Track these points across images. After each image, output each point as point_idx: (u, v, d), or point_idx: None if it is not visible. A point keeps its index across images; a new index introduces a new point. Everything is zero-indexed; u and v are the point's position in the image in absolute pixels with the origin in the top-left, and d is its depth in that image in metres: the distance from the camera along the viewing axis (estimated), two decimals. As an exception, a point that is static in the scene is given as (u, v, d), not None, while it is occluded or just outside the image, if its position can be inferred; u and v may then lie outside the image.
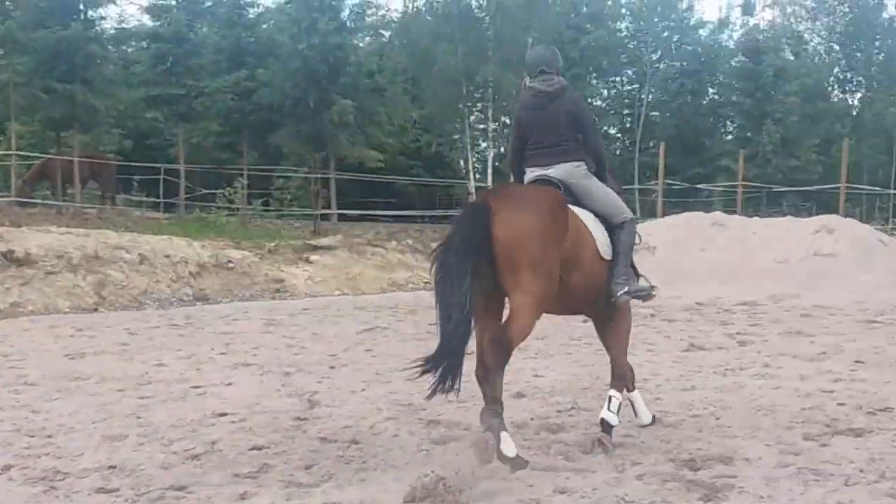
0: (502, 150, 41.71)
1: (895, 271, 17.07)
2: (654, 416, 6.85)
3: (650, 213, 32.68)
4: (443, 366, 5.69)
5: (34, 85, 26.96)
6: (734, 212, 27.12)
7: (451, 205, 41.90)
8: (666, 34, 54.43)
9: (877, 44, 58.59)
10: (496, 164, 38.49)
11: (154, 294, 17.35)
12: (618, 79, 53.57)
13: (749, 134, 45.92)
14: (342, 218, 34.07)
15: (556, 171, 6.70)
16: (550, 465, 5.74)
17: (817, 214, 24.74)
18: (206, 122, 34.57)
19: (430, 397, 5.83)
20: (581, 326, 12.04)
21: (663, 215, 25.24)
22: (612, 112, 52.62)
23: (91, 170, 29.15)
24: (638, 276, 6.87)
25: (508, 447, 5.63)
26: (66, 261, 16.81)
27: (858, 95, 59.57)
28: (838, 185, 28.78)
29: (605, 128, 47.93)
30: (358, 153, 34.60)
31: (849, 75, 59.50)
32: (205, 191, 32.16)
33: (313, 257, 21.59)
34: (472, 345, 5.73)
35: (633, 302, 6.81)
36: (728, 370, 9.29)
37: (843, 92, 59.92)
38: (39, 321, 14.07)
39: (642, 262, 7.54)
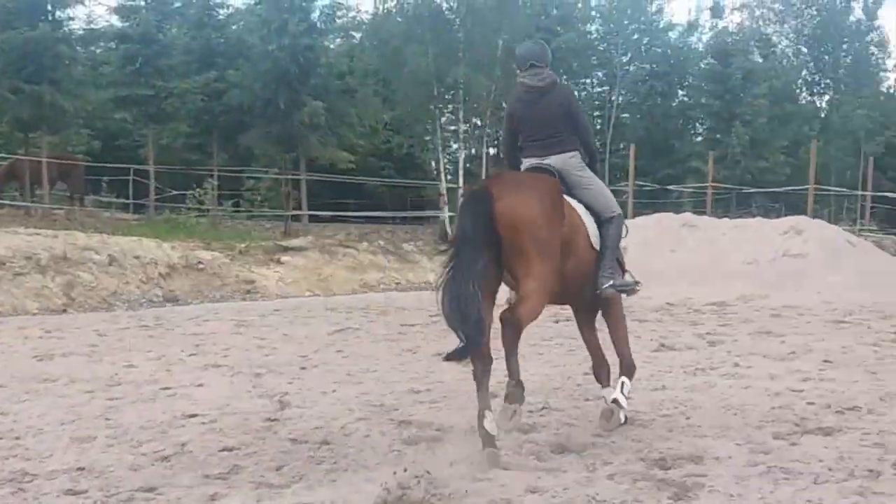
0: (473, 151, 41.76)
1: (863, 272, 17.21)
2: (625, 416, 6.89)
3: (621, 214, 32.73)
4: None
5: (2, 86, 26.66)
6: (704, 213, 27.25)
7: (423, 206, 41.89)
8: (636, 36, 54.64)
9: (844, 46, 59.15)
10: (467, 165, 38.48)
11: (123, 295, 17.25)
12: (588, 81, 53.67)
13: (718, 136, 46.21)
14: (313, 219, 33.96)
15: (553, 161, 6.89)
16: (522, 465, 5.74)
17: (786, 216, 24.93)
18: (175, 122, 34.39)
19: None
20: (553, 327, 12.09)
21: (634, 216, 25.36)
22: (583, 114, 52.75)
23: (60, 171, 28.90)
24: (624, 270, 7.07)
25: (492, 426, 5.86)
26: (35, 262, 16.68)
27: (826, 98, 60.15)
28: (807, 186, 28.99)
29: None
30: (329, 154, 34.52)
31: (816, 78, 60.05)
32: (175, 192, 31.98)
33: (284, 258, 21.52)
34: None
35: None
36: (698, 370, 9.33)
37: (811, 94, 60.46)
38: (8, 322, 13.96)
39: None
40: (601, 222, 6.85)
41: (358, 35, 46.58)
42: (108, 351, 10.94)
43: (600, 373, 7.15)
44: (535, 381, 8.72)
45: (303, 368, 9.69)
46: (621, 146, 49.01)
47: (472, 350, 5.94)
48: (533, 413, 7.32)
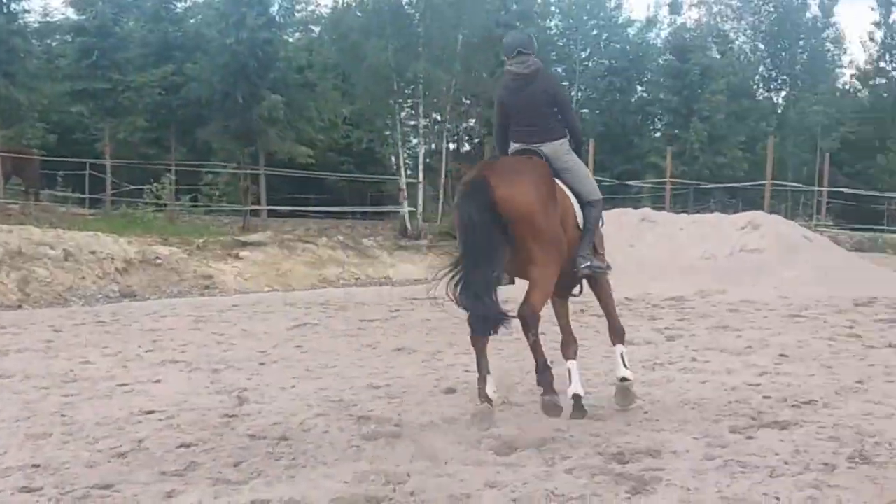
0: (433, 146, 41.77)
1: (819, 267, 17.36)
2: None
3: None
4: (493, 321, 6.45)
5: (-45, 79, 26.40)
6: (662, 208, 27.40)
7: (382, 201, 41.86)
8: (595, 32, 54.91)
9: (801, 43, 59.79)
10: (427, 160, 38.49)
11: (80, 291, 17.05)
12: (547, 76, 53.78)
13: (677, 131, 46.59)
14: (272, 214, 33.87)
15: (544, 148, 7.14)
16: (481, 460, 5.73)
17: (744, 211, 25.11)
18: (132, 116, 34.13)
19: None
20: (513, 323, 12.07)
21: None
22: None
23: (14, 165, 28.53)
24: (598, 253, 7.34)
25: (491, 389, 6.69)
26: (-11, 257, 16.47)
27: (783, 94, 60.79)
28: (764, 182, 29.24)
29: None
30: (288, 149, 34.43)
31: (773, 74, 60.68)
32: (132, 186, 31.75)
33: (243, 253, 21.37)
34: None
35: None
36: (656, 364, 9.37)
37: (768, 90, 61.07)
38: (-39, 318, 13.77)
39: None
40: (583, 205, 7.11)
41: (317, 29, 46.54)
42: (64, 347, 10.81)
43: (568, 349, 7.27)
44: (494, 375, 8.70)
45: (261, 364, 9.63)
46: (581, 141, 49.11)
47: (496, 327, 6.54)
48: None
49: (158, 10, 35.91)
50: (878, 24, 59.98)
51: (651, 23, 58.99)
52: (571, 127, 7.38)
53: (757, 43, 60.92)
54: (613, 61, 53.03)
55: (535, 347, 6.86)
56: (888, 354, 9.67)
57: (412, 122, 40.35)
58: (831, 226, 33.92)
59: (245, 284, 19.64)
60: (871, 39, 60.92)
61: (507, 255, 6.44)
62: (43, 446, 6.22)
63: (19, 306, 15.60)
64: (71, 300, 16.50)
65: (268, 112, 31.73)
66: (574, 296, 7.47)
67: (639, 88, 55.18)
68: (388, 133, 41.15)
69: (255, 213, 31.74)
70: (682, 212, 26.20)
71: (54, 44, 38.75)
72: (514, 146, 7.31)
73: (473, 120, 47.66)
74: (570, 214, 6.93)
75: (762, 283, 16.65)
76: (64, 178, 34.86)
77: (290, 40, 40.78)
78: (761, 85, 60.56)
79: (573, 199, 7.04)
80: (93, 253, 18.06)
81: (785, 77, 60.26)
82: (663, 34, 57.91)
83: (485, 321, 6.39)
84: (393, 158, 42.27)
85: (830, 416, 6.76)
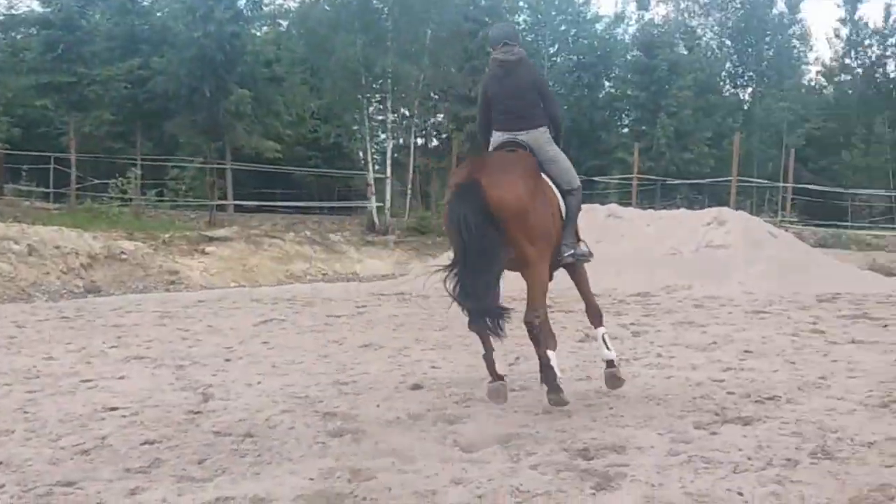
0: (401, 141, 41.70)
1: (784, 263, 17.45)
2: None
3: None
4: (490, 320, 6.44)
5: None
6: (629, 204, 27.51)
7: (350, 196, 41.76)
8: (563, 28, 55.05)
9: (767, 39, 60.24)
10: (395, 155, 38.45)
11: (43, 286, 16.93)
12: (516, 71, 53.89)
13: (644, 127, 46.78)
14: (239, 209, 33.70)
15: (525, 136, 7.24)
16: (446, 456, 5.73)
17: (710, 207, 25.24)
18: (98, 110, 33.89)
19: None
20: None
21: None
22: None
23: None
24: (579, 240, 7.44)
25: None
26: (-49, 252, 16.33)
27: (749, 90, 61.20)
28: (730, 178, 29.42)
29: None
30: (255, 143, 34.30)
31: (740, 70, 61.07)
32: (97, 181, 31.47)
33: (209, 248, 21.30)
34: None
35: None
36: (622, 360, 9.36)
37: (735, 87, 61.49)
38: (-78, 314, 13.63)
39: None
40: (563, 194, 7.21)
41: (285, 23, 46.31)
42: (27, 343, 10.72)
43: (547, 340, 7.29)
44: (460, 371, 8.74)
45: (227, 360, 9.57)
46: (548, 137, 49.26)
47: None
48: (458, 404, 7.32)
49: (125, 2, 35.66)
50: (843, 21, 60.66)
51: (619, 18, 59.34)
52: (553, 115, 7.49)
53: (724, 39, 61.34)
54: (581, 57, 53.20)
55: (539, 347, 6.94)
56: (851, 350, 9.73)
57: (380, 117, 40.31)
58: (796, 222, 34.14)
59: (211, 280, 19.57)
60: (837, 36, 61.64)
61: (508, 253, 6.51)
62: (5, 443, 6.16)
63: (-18, 301, 15.47)
64: (35, 295, 16.37)
65: (235, 106, 31.61)
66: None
67: (606, 84, 55.41)
68: (356, 128, 41.07)
69: (221, 207, 31.60)
70: (649, 208, 26.27)
71: (19, 37, 38.38)
72: (496, 135, 7.40)
73: (441, 115, 47.66)
74: (556, 206, 7.05)
75: (727, 278, 16.72)
76: (28, 172, 34.58)
77: (258, 34, 40.67)
78: (728, 81, 60.99)
79: (556, 190, 7.14)
80: (57, 248, 17.94)
81: (751, 73, 60.72)
82: (631, 30, 58.30)
83: (485, 316, 6.43)
84: (361, 153, 42.22)
85: (793, 412, 6.80)
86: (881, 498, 4.86)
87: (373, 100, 38.81)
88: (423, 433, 6.19)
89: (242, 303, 15.38)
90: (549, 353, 7.11)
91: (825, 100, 59.41)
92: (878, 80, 60.30)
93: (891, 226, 39.60)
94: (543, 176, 7.04)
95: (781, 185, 38.60)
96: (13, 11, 38.81)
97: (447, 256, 6.87)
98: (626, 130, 52.61)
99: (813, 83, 63.88)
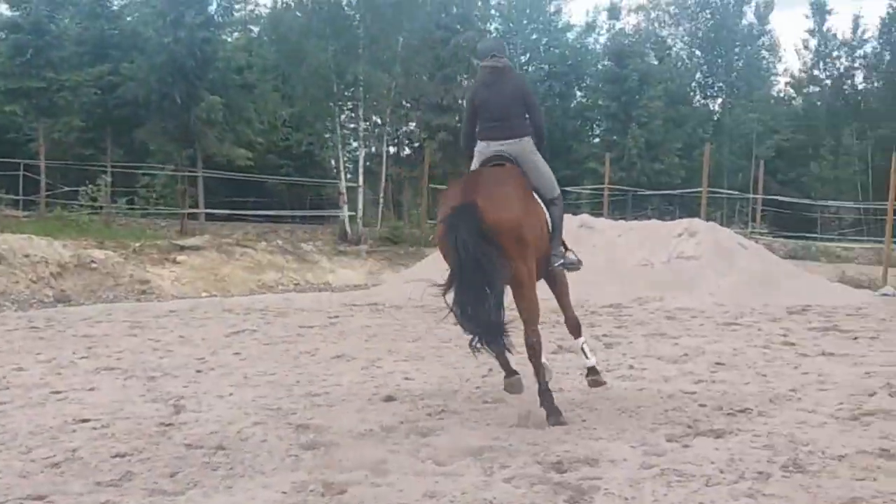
0: (373, 149, 41.61)
1: (754, 274, 17.55)
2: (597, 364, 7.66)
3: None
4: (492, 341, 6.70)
5: None
6: (601, 214, 27.58)
7: (322, 205, 41.68)
8: (534, 36, 55.29)
9: (736, 50, 60.69)
10: (367, 163, 38.34)
11: (12, 295, 16.79)
12: (487, 80, 54.00)
13: (615, 137, 47.04)
14: (210, 217, 33.54)
15: (509, 148, 7.36)
16: (419, 469, 5.73)
17: (681, 218, 25.35)
18: (68, 116, 33.67)
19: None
20: (453, 329, 12.08)
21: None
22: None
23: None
24: (566, 249, 7.65)
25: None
26: (-82, 260, 16.16)
27: (719, 101, 61.66)
28: (700, 189, 29.57)
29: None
30: (226, 151, 34.17)
31: (710, 80, 61.50)
32: (67, 188, 31.21)
33: (180, 258, 21.17)
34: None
35: None
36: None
37: (705, 97, 61.94)
38: None
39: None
40: (546, 203, 7.36)
41: (256, 29, 46.21)
42: (-4, 353, 10.64)
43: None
44: (433, 383, 8.74)
45: (198, 371, 9.53)
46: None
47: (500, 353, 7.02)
48: (431, 416, 7.32)
49: (94, 7, 35.47)
50: (812, 32, 61.24)
51: (590, 28, 59.61)
52: (537, 125, 7.64)
53: (694, 49, 61.77)
54: (552, 66, 53.43)
55: (539, 370, 7.12)
56: (821, 363, 9.81)
57: (352, 125, 40.17)
58: (766, 233, 34.42)
59: (182, 289, 19.47)
60: (806, 47, 62.19)
61: (510, 270, 6.64)
62: (-26, 456, 6.11)
63: (-51, 310, 15.32)
64: (3, 305, 16.22)
65: (206, 113, 31.48)
66: None
67: (578, 93, 55.63)
68: (328, 136, 40.90)
69: (192, 216, 31.41)
70: (621, 218, 26.34)
71: (-14, 41, 38.11)
72: (480, 144, 7.50)
73: (413, 123, 47.67)
74: (544, 220, 7.20)
75: (698, 290, 16.80)
76: (-4, 180, 34.24)
77: (229, 40, 40.53)
78: (698, 91, 61.42)
79: (541, 202, 7.28)
80: (26, 256, 17.79)
81: (721, 84, 61.15)
82: (602, 39, 58.57)
83: (499, 337, 6.67)
84: (333, 162, 42.00)
85: (765, 425, 6.85)
86: (852, 512, 4.91)
87: (345, 108, 38.70)
88: (397, 446, 6.20)
89: (214, 313, 15.29)
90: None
91: (794, 111, 59.94)
92: (847, 92, 60.95)
93: (859, 238, 39.98)
94: (530, 190, 7.18)
95: (751, 196, 38.86)
96: (-20, 16, 38.57)
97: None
98: (597, 140, 52.85)
99: (782, 94, 64.48)
